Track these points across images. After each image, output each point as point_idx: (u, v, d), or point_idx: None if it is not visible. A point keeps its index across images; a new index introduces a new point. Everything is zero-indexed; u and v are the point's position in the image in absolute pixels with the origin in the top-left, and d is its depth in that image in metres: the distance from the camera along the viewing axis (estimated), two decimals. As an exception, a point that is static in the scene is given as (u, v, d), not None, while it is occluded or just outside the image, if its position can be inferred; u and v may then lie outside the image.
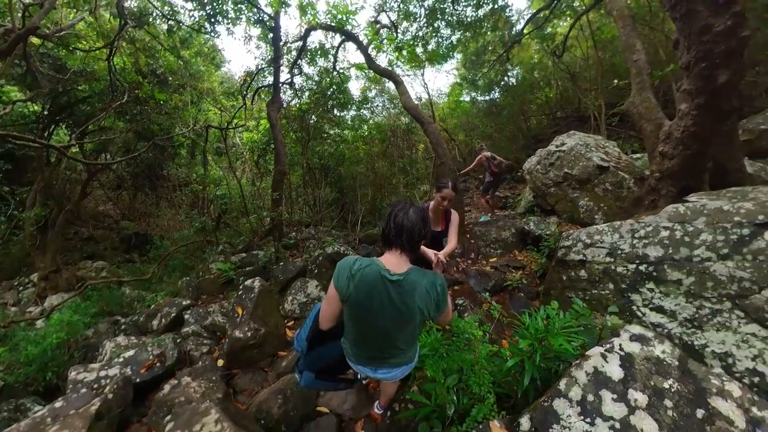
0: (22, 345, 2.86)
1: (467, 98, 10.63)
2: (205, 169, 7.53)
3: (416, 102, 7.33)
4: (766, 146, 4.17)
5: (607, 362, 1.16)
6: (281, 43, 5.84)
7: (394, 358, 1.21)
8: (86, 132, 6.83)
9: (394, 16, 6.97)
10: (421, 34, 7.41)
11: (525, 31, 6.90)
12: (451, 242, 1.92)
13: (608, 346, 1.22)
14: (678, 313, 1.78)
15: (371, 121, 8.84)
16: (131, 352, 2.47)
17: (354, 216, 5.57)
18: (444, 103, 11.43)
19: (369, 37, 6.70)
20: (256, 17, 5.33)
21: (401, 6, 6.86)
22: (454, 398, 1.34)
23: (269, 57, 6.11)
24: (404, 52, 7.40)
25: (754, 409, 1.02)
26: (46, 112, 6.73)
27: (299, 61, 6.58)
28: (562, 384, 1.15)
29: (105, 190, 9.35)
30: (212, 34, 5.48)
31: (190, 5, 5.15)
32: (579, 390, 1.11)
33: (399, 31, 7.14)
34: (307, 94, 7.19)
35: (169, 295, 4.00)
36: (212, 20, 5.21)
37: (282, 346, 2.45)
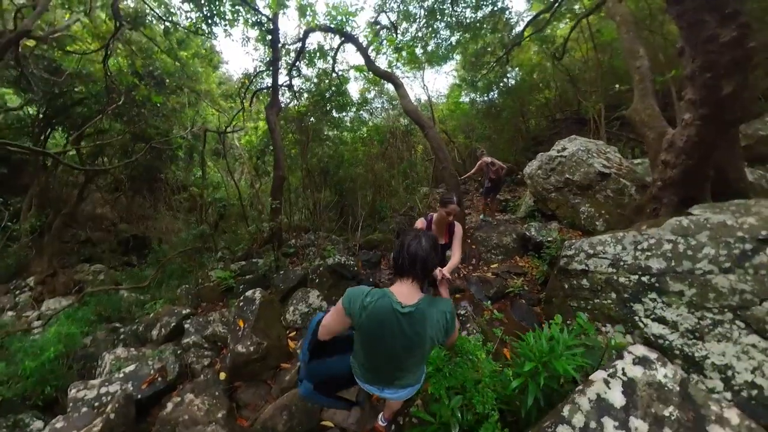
0: (19, 357, 2.82)
1: (466, 99, 10.60)
2: (204, 173, 7.46)
3: (416, 103, 7.31)
4: (763, 151, 4.19)
5: (609, 388, 1.17)
6: (279, 45, 5.77)
7: (401, 380, 1.22)
8: (83, 135, 6.75)
9: (393, 17, 6.92)
10: (420, 35, 7.37)
11: (525, 33, 6.87)
12: (456, 256, 1.92)
13: (611, 370, 1.23)
14: (679, 323, 1.79)
15: (370, 123, 8.80)
16: (132, 367, 2.45)
17: (354, 220, 5.55)
18: (443, 104, 11.40)
19: (369, 39, 6.65)
20: (254, 19, 5.27)
21: (401, 7, 6.81)
22: (459, 416, 1.34)
23: (267, 59, 6.04)
24: (404, 53, 7.37)
25: None
26: (41, 116, 6.63)
27: (298, 63, 6.52)
28: (566, 410, 1.15)
29: (102, 192, 9.25)
30: (209, 35, 5.41)
31: (186, 6, 5.08)
32: (582, 417, 1.12)
33: (398, 32, 7.09)
34: (305, 96, 7.14)
35: (168, 302, 3.97)
36: (209, 22, 5.14)
37: (284, 358, 2.43)
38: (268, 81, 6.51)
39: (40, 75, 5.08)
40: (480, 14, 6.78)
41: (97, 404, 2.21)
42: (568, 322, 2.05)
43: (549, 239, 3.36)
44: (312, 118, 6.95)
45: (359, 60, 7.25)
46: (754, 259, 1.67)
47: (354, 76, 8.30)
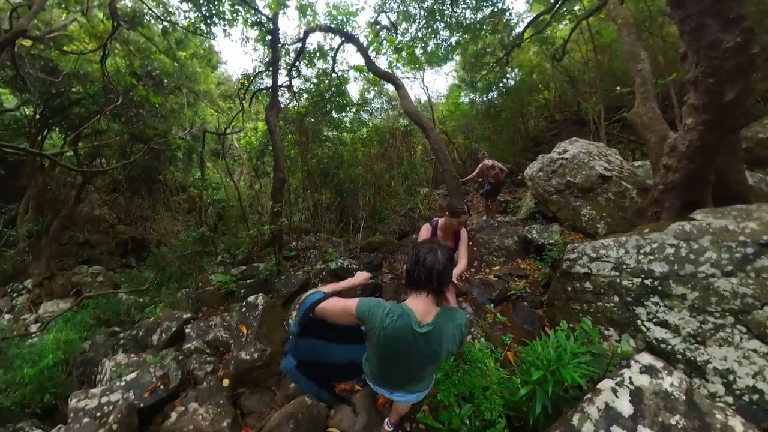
0: (17, 364, 2.77)
1: (466, 100, 10.61)
2: (203, 175, 7.40)
3: (415, 104, 7.30)
4: (764, 155, 4.22)
5: (617, 397, 1.18)
6: (279, 45, 5.73)
7: (412, 386, 1.23)
8: (80, 136, 6.68)
9: (393, 17, 6.90)
10: (420, 35, 7.36)
11: (525, 34, 6.87)
12: (462, 261, 1.92)
13: (618, 379, 1.23)
14: (682, 327, 1.80)
15: (370, 124, 8.78)
16: (133, 375, 2.42)
17: (355, 222, 5.54)
18: (443, 105, 11.39)
19: (369, 39, 6.62)
20: (253, 19, 5.22)
21: (401, 7, 6.79)
22: (467, 422, 1.34)
23: (267, 59, 6.00)
24: (404, 54, 7.35)
25: None
26: (38, 116, 6.56)
27: (297, 63, 6.48)
28: (575, 419, 1.16)
29: (100, 194, 9.17)
30: (208, 35, 5.37)
31: (185, 6, 5.03)
32: (591, 426, 1.13)
33: (398, 32, 7.07)
34: (305, 96, 7.11)
35: (168, 306, 3.94)
36: (208, 22, 5.09)
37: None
38: (268, 81, 6.47)
39: (36, 75, 5.01)
40: (480, 15, 6.78)
41: (98, 414, 2.18)
42: (571, 325, 2.06)
43: (551, 242, 3.37)
44: (311, 119, 6.92)
45: (359, 60, 7.23)
46: (755, 262, 1.69)
47: (354, 76, 8.28)
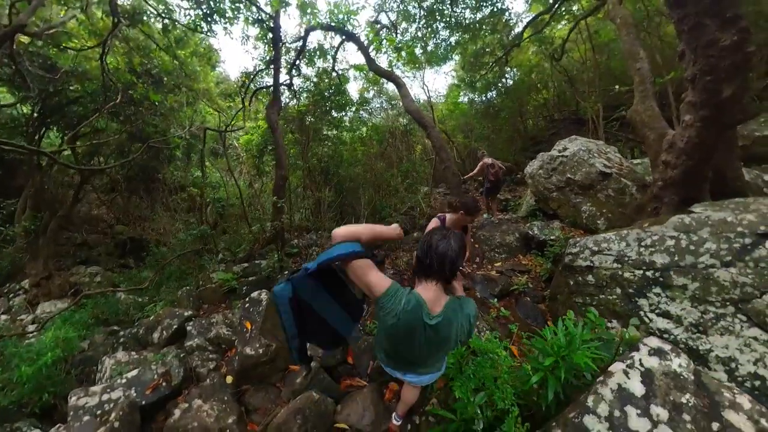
0: (14, 363, 2.72)
1: (465, 100, 10.66)
2: (203, 172, 7.37)
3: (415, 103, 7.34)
4: (760, 152, 4.28)
5: (629, 379, 1.21)
6: (280, 44, 5.74)
7: (423, 369, 1.24)
8: (78, 135, 6.63)
9: (393, 17, 6.93)
10: (420, 35, 7.40)
11: (524, 34, 6.93)
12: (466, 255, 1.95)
13: (629, 362, 1.26)
14: (684, 317, 1.82)
15: (369, 123, 8.80)
16: (134, 372, 2.38)
17: (356, 220, 5.54)
18: (442, 104, 11.44)
19: (369, 38, 6.64)
20: (254, 17, 5.23)
21: (400, 6, 6.82)
22: (479, 412, 1.35)
23: (267, 58, 6.00)
24: (403, 53, 7.38)
25: (763, 421, 1.09)
26: (36, 114, 6.50)
27: (298, 61, 6.49)
28: (590, 401, 1.19)
29: (98, 194, 9.10)
30: (209, 33, 5.36)
31: (185, 3, 5.03)
32: (606, 406, 1.16)
33: (398, 31, 7.10)
34: (305, 95, 7.11)
35: (168, 304, 3.91)
36: (209, 19, 5.08)
37: (293, 361, 2.41)
38: (268, 80, 6.48)
39: (35, 72, 4.98)
40: (479, 15, 6.83)
41: (99, 412, 2.14)
42: (574, 319, 2.08)
43: (552, 238, 3.39)
44: (311, 118, 6.93)
45: (358, 59, 7.24)
46: (753, 252, 1.73)
47: (354, 75, 8.31)
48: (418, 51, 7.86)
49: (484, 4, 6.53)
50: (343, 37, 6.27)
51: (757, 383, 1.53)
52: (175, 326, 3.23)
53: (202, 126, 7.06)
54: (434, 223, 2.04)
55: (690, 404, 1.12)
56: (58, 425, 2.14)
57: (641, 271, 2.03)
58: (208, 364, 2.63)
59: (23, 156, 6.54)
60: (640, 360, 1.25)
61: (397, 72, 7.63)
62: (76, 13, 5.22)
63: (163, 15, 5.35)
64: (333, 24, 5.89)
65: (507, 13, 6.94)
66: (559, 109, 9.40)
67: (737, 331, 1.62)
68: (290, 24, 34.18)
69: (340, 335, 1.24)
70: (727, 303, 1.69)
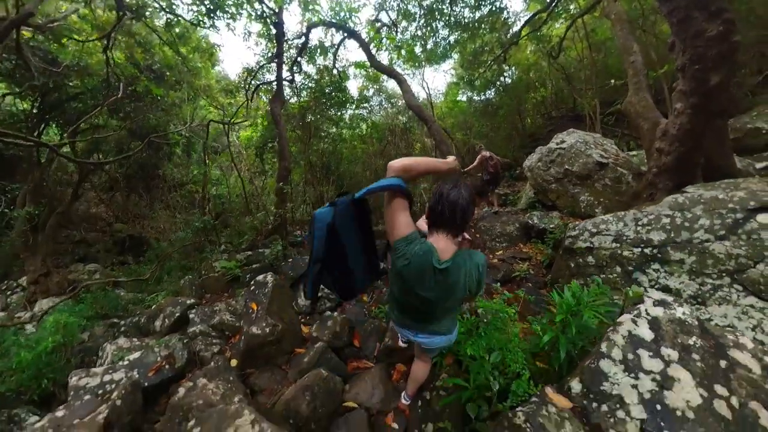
0: (13, 351, 2.68)
1: (464, 98, 10.78)
2: (205, 163, 7.35)
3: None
4: (752, 143, 4.40)
5: (637, 326, 1.26)
6: (283, 39, 5.80)
7: (432, 325, 1.24)
8: (78, 131, 6.62)
9: (393, 15, 7.03)
10: (419, 33, 7.50)
11: (522, 32, 7.05)
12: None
13: (636, 312, 1.32)
14: (683, 290, 1.88)
15: (369, 121, 8.87)
16: (136, 354, 2.35)
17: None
18: (441, 102, 11.55)
19: (371, 35, 6.73)
20: (257, 13, 5.29)
21: (400, 5, 6.92)
22: (491, 378, 1.37)
23: (269, 54, 6.06)
24: (403, 52, 7.48)
25: (766, 358, 1.16)
26: (35, 111, 6.50)
27: (299, 58, 6.55)
28: (603, 346, 1.24)
29: (97, 191, 9.07)
30: (212, 29, 5.41)
31: None
32: (619, 351, 1.21)
33: (398, 30, 7.20)
34: (305, 93, 7.17)
35: (170, 294, 3.90)
36: (212, 15, 5.14)
37: (299, 343, 2.41)
38: (269, 76, 6.53)
39: (38, 65, 4.99)
40: (478, 14, 6.94)
41: (100, 392, 2.10)
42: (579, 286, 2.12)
43: (551, 226, 3.45)
44: (311, 117, 6.98)
45: (359, 56, 7.31)
46: (745, 226, 1.80)
47: (353, 73, 8.37)
48: (417, 49, 7.96)
49: (483, 3, 6.64)
50: (345, 34, 6.35)
51: (758, 348, 1.59)
52: (177, 314, 3.22)
53: (202, 124, 7.08)
54: None
55: (697, 345, 1.18)
56: (59, 407, 2.12)
57: (639, 249, 2.09)
58: (212, 348, 2.62)
59: (22, 152, 6.52)
60: (646, 310, 1.31)
61: (397, 70, 7.73)
62: (79, 6, 5.25)
63: (167, 10, 5.40)
64: (335, 21, 5.97)
65: (505, 12, 7.07)
66: (556, 106, 9.53)
67: (734, 300, 1.67)
68: (291, 21, 33.95)
69: (354, 282, 1.24)
70: (723, 274, 1.75)
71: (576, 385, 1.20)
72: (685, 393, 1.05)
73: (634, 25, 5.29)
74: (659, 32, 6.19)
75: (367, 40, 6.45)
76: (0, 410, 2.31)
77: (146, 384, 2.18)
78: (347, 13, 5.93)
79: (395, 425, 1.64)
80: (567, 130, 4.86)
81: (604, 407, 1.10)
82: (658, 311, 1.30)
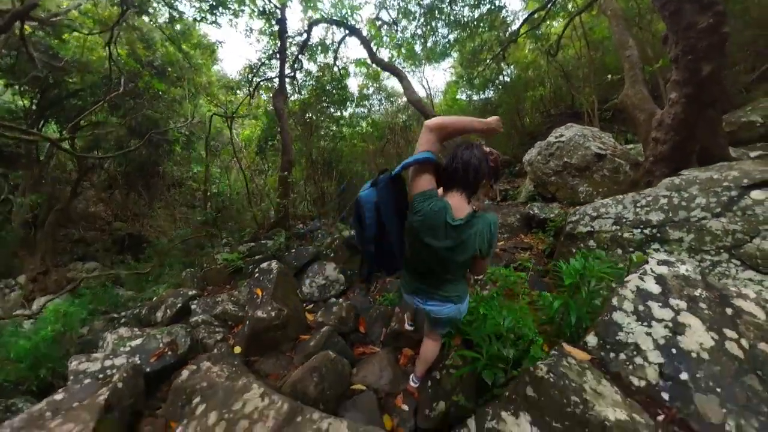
0: (12, 342, 2.64)
1: (463, 96, 10.87)
2: (207, 156, 7.34)
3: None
4: (745, 136, 4.50)
5: (645, 282, 1.31)
6: (286, 35, 5.84)
7: (442, 290, 1.24)
8: (78, 127, 6.61)
9: (394, 14, 7.11)
10: (419, 32, 7.59)
11: (521, 31, 7.15)
12: None
13: (641, 271, 1.36)
14: (683, 268, 1.92)
15: (369, 119, 8.92)
16: (138, 341, 2.31)
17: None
18: (441, 101, 11.64)
19: (372, 33, 6.80)
20: (260, 9, 5.34)
21: (401, 3, 7.01)
22: (508, 344, 1.38)
23: (271, 50, 6.10)
24: (403, 50, 7.55)
25: None
26: (34, 107, 6.49)
27: (301, 55, 6.60)
28: (615, 300, 1.29)
29: (96, 190, 9.03)
30: (214, 25, 5.45)
31: (190, -3, 5.12)
32: (630, 303, 1.26)
33: (398, 28, 7.28)
34: (305, 90, 7.22)
35: (171, 287, 3.89)
36: (214, 12, 5.18)
37: (303, 330, 2.41)
38: (270, 73, 6.57)
39: (40, 59, 4.99)
40: (477, 13, 7.04)
41: (101, 376, 2.05)
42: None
43: (552, 216, 3.49)
44: (312, 115, 7.02)
45: (359, 54, 7.37)
46: (740, 202, 1.85)
47: (353, 71, 8.43)
48: (417, 48, 8.04)
49: (482, 1, 6.74)
50: (347, 31, 6.42)
51: (761, 297, 1.63)
52: (179, 305, 3.20)
53: (205, 119, 7.09)
54: None
55: (703, 296, 1.23)
56: (57, 390, 2.08)
57: (639, 230, 2.13)
58: (215, 336, 2.62)
59: (21, 148, 6.50)
60: (651, 269, 1.36)
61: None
62: (82, 1, 5.28)
63: (170, 5, 5.43)
64: (336, 18, 6.03)
65: (504, 11, 7.17)
66: (555, 104, 9.63)
67: (733, 275, 1.72)
68: (293, 18, 33.99)
69: (395, 255, 1.23)
70: (721, 250, 1.80)
71: (592, 339, 1.23)
72: (698, 336, 1.10)
73: (630, 22, 5.38)
74: (655, 30, 6.30)
75: (368, 37, 6.53)
76: (-3, 400, 2.30)
77: (148, 369, 2.13)
78: (348, 11, 6.01)
79: (405, 407, 1.64)
80: (566, 125, 4.92)
81: (622, 355, 1.14)
82: (663, 269, 1.34)
